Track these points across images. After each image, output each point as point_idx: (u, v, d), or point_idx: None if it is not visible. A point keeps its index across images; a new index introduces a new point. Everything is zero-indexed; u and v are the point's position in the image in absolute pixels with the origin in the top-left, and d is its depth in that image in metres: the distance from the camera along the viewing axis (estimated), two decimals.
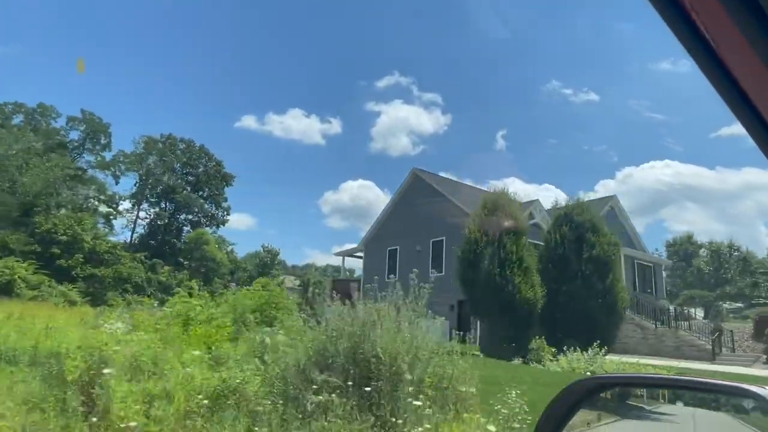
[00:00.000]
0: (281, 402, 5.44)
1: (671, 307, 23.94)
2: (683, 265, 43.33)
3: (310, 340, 6.41)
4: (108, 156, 52.49)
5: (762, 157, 0.80)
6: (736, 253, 41.62)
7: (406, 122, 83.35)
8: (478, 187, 29.91)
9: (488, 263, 15.01)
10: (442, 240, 24.80)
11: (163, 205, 61.51)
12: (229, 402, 5.51)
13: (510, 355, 15.17)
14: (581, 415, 1.66)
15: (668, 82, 64.53)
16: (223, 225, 64.69)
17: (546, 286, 17.01)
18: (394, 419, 5.19)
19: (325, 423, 4.80)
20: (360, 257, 31.13)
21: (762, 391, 1.24)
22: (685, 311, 25.93)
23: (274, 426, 4.84)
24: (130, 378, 5.90)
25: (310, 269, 65.18)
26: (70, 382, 5.39)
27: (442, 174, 32.06)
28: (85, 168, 50.28)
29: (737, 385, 1.41)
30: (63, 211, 45.10)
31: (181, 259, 57.16)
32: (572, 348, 14.45)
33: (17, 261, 36.09)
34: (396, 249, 27.74)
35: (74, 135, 49.83)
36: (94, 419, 4.80)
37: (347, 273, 41.78)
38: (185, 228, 61.96)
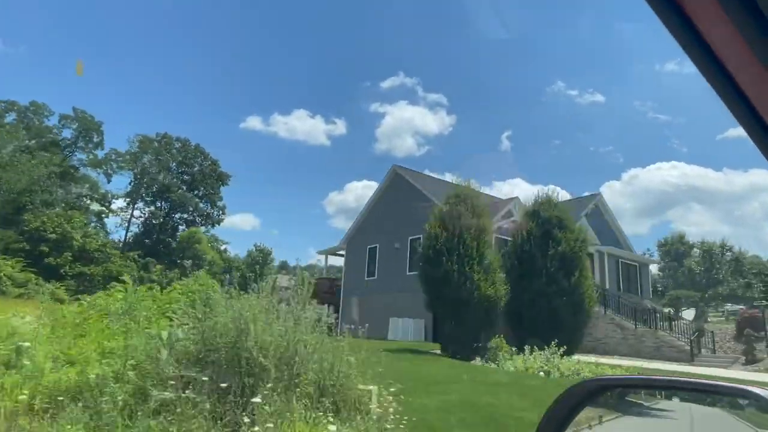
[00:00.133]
0: (132, 399, 5.07)
1: (652, 307, 23.33)
2: (675, 265, 42.60)
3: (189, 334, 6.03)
4: (100, 154, 52.47)
5: (763, 158, 0.81)
6: (728, 253, 40.83)
7: (411, 123, 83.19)
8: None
9: (446, 259, 14.56)
10: (420, 238, 24.35)
11: (159, 204, 61.50)
12: (79, 399, 5.13)
13: (472, 354, 14.74)
14: (586, 412, 1.69)
15: (674, 83, 63.85)
16: (219, 224, 64.69)
17: (512, 284, 16.57)
18: (246, 418, 4.81)
19: (153, 422, 4.41)
20: (342, 255, 30.76)
21: (762, 392, 1.28)
22: (669, 312, 25.33)
23: (100, 425, 4.45)
24: None
25: (301, 270, 64.77)
26: None
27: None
28: (77, 166, 50.24)
29: (737, 387, 1.47)
30: (57, 209, 45.14)
31: (176, 258, 57.08)
32: (537, 347, 14.02)
33: (4, 258, 36.03)
34: (376, 247, 27.35)
35: (67, 133, 49.89)
36: None
37: (338, 272, 41.47)
38: (180, 227, 61.92)
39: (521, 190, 77.36)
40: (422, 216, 23.59)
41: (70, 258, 42.56)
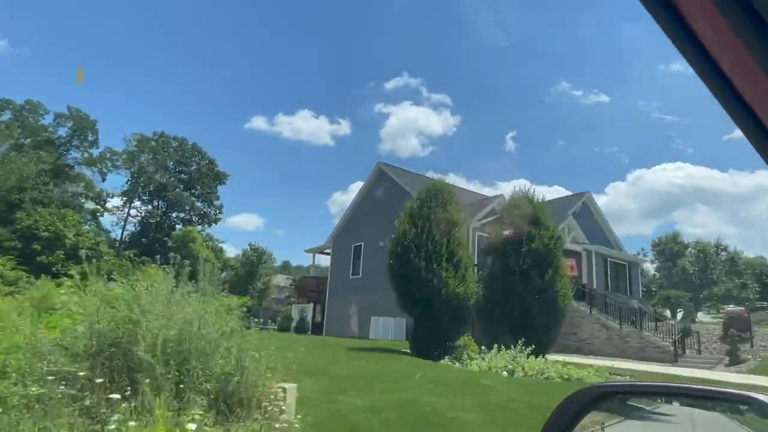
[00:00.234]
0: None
1: (638, 307, 22.89)
2: (669, 264, 41.89)
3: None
4: (95, 153, 52.51)
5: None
6: (723, 253, 40.09)
7: (415, 123, 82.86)
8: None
9: (414, 256, 14.23)
10: None
11: (156, 203, 61.48)
12: None
13: (442, 353, 14.40)
14: (591, 416, 1.68)
15: (679, 83, 63.14)
16: (216, 223, 64.67)
17: (486, 281, 16.25)
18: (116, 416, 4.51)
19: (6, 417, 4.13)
20: (329, 254, 30.48)
21: (766, 398, 1.30)
22: (654, 311, 24.85)
23: None
24: None
25: (295, 269, 64.72)
26: None
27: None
28: (72, 165, 50.26)
29: (741, 393, 1.46)
30: (54, 207, 45.14)
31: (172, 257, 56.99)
32: (507, 346, 13.68)
33: None
34: (360, 245, 27.05)
35: (62, 132, 49.93)
36: None
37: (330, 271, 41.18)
38: (178, 226, 61.83)
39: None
40: None
41: (62, 256, 42.50)
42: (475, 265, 18.13)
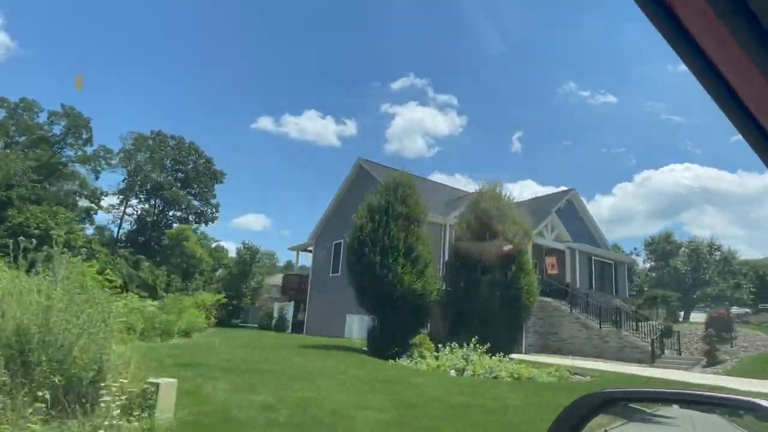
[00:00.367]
0: None
1: (620, 306, 22.24)
2: (662, 264, 40.94)
3: None
4: (89, 151, 52.51)
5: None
6: (717, 253, 39.11)
7: (421, 124, 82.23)
8: (429, 179, 28.67)
9: (369, 251, 13.78)
10: None
11: (153, 202, 61.43)
12: None
13: (398, 351, 13.93)
14: (597, 419, 1.70)
15: (687, 84, 62.08)
16: (213, 222, 64.54)
17: (450, 278, 15.77)
18: None
19: None
20: (311, 251, 30.10)
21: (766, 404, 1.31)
22: (638, 311, 24.18)
23: None
24: None
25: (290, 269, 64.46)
26: None
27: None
28: (66, 162, 50.29)
29: (744, 399, 1.46)
30: (47, 204, 45.13)
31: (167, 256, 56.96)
32: (468, 343, 13.20)
33: None
34: (341, 243, 26.61)
35: (57, 130, 49.90)
36: None
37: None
38: (174, 224, 61.71)
39: (531, 192, 76.00)
40: None
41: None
42: (447, 262, 17.68)
